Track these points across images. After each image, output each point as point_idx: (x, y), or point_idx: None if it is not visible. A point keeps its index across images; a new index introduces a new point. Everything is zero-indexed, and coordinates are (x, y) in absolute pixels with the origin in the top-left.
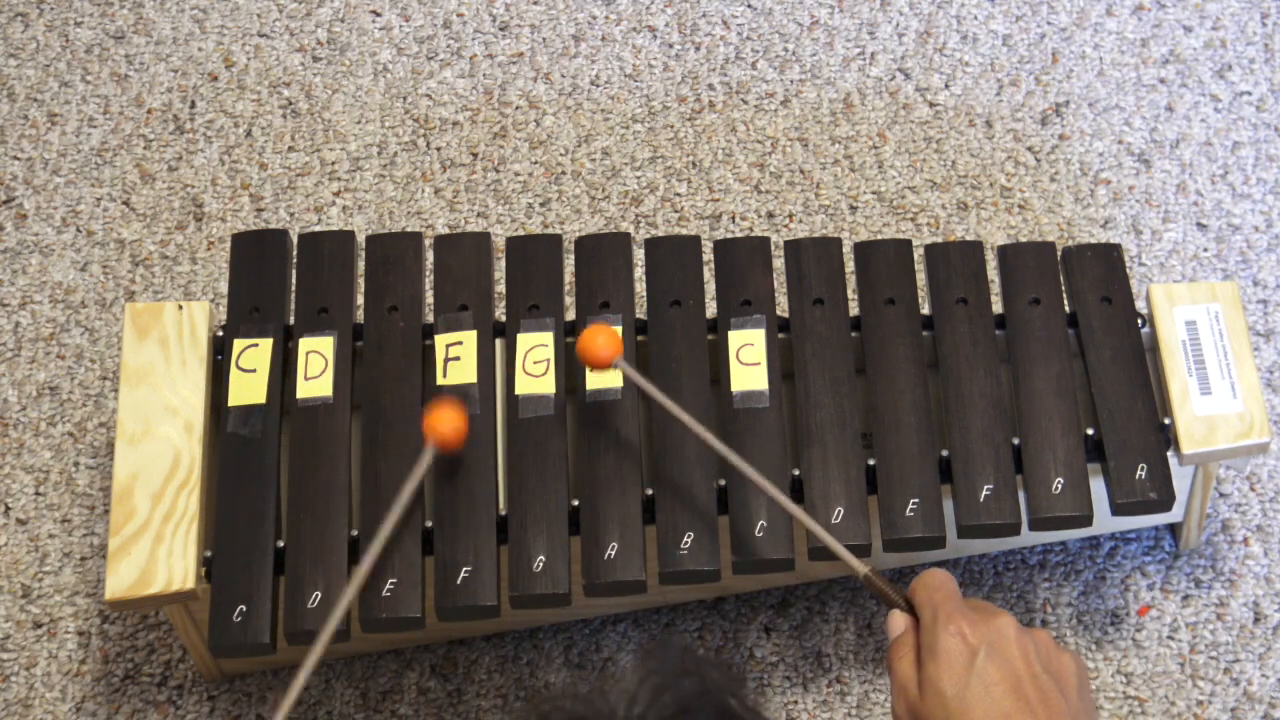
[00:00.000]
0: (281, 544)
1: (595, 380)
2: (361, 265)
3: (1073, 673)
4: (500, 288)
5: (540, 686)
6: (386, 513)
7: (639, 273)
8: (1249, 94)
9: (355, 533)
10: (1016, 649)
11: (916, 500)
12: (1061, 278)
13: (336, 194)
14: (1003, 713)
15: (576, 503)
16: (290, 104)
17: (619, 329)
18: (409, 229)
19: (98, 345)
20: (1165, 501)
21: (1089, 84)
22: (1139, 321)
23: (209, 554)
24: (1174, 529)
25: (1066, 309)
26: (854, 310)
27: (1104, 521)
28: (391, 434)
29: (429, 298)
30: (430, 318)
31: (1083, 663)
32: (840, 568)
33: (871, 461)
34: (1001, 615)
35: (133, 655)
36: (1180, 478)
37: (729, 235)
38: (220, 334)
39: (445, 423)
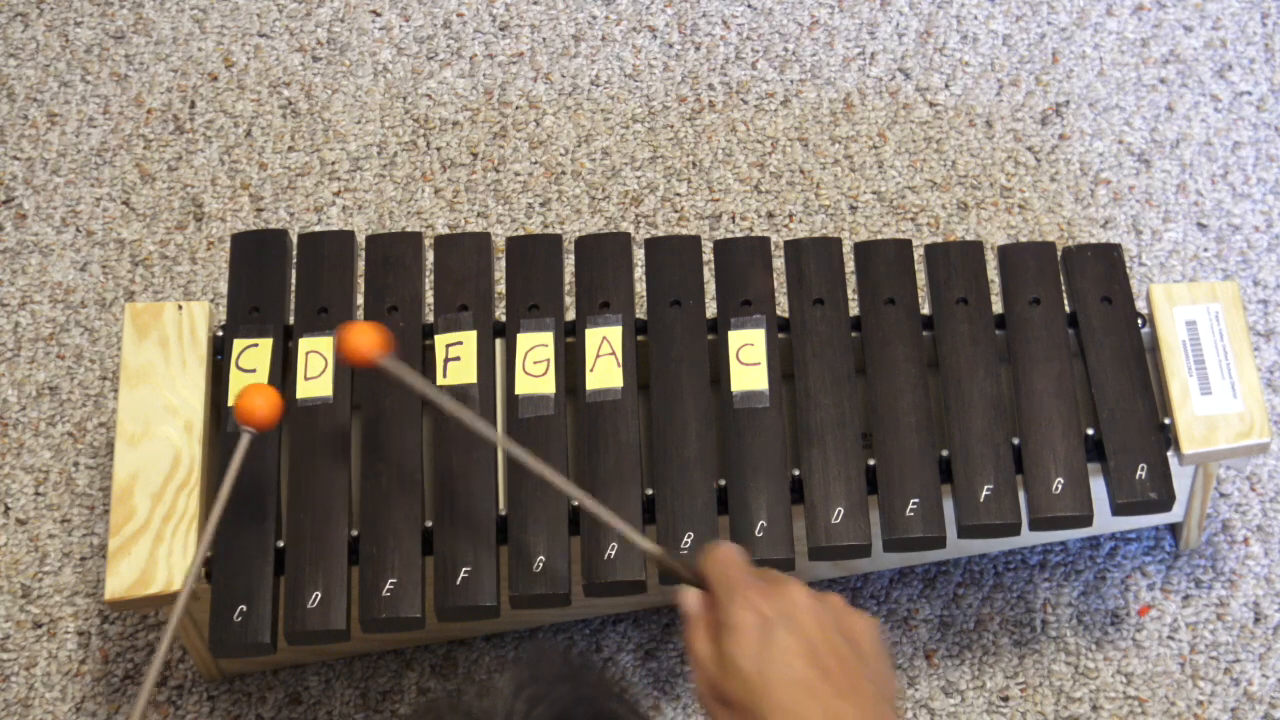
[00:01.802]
0: (281, 544)
1: (595, 380)
2: (361, 265)
3: (867, 634)
4: (500, 288)
5: (425, 697)
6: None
7: (639, 273)
8: (1249, 94)
9: (355, 533)
10: (810, 616)
11: (916, 500)
12: (1061, 278)
13: (336, 194)
14: (801, 680)
15: (576, 503)
16: (290, 104)
17: (616, 329)
18: (409, 229)
19: (98, 345)
20: (1165, 501)
21: (1089, 84)
22: (1139, 321)
23: (209, 554)
24: (1174, 529)
25: (1066, 309)
26: (854, 310)
27: (1104, 521)
28: (391, 434)
29: (429, 298)
30: (430, 318)
31: (876, 623)
32: (842, 567)
33: (871, 461)
34: (793, 584)
35: (133, 655)
36: (1180, 478)
37: (729, 235)
38: (220, 334)
39: (258, 401)
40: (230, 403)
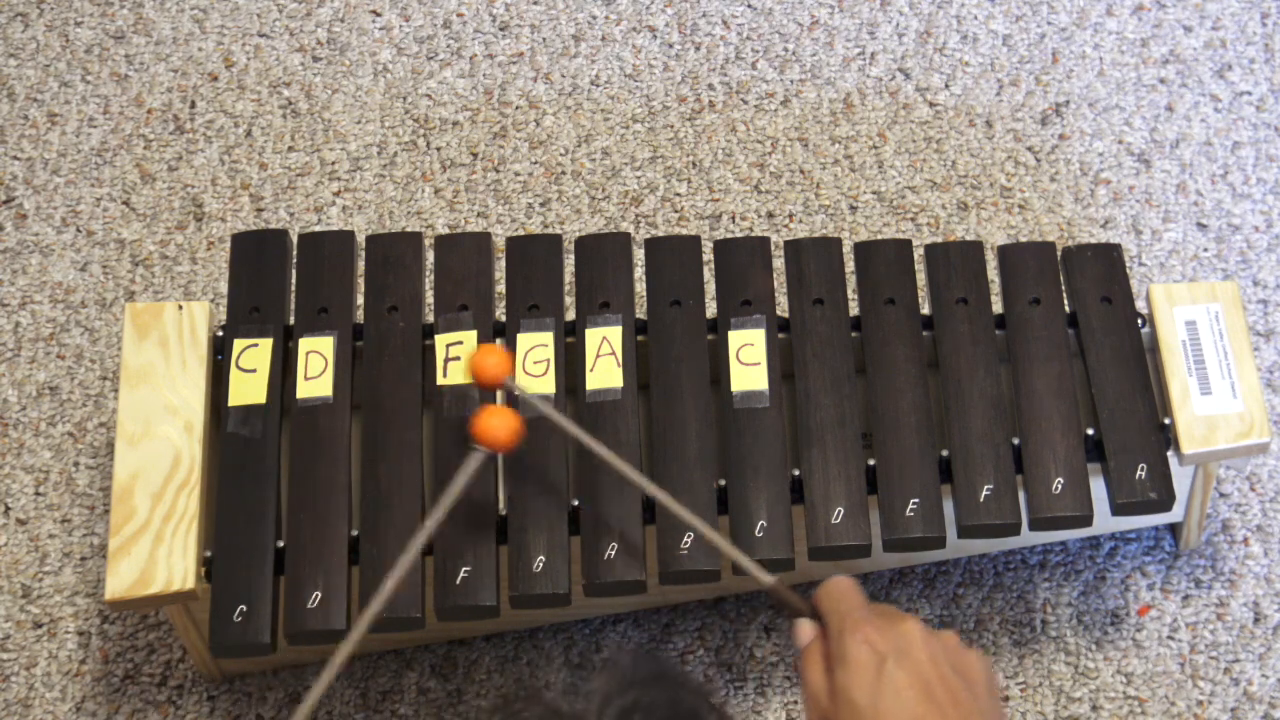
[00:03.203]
0: (281, 544)
1: (595, 380)
2: (361, 265)
3: (980, 671)
4: (500, 288)
5: (509, 689)
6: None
7: (639, 273)
8: (1249, 94)
9: (355, 533)
10: (924, 652)
11: (916, 500)
12: (1061, 278)
13: (336, 194)
14: (914, 716)
15: (576, 503)
16: (290, 104)
17: (616, 329)
18: (409, 229)
19: (98, 345)
20: (1165, 501)
21: (1089, 84)
22: (1139, 321)
23: (209, 554)
24: (1174, 529)
25: (1066, 309)
26: (854, 310)
27: (1104, 521)
28: (391, 434)
29: (429, 298)
30: (430, 318)
31: (988, 661)
32: (843, 567)
33: (871, 461)
34: (907, 619)
35: (133, 655)
36: (1180, 478)
37: (729, 235)
38: (220, 334)
39: (500, 426)
40: (230, 402)
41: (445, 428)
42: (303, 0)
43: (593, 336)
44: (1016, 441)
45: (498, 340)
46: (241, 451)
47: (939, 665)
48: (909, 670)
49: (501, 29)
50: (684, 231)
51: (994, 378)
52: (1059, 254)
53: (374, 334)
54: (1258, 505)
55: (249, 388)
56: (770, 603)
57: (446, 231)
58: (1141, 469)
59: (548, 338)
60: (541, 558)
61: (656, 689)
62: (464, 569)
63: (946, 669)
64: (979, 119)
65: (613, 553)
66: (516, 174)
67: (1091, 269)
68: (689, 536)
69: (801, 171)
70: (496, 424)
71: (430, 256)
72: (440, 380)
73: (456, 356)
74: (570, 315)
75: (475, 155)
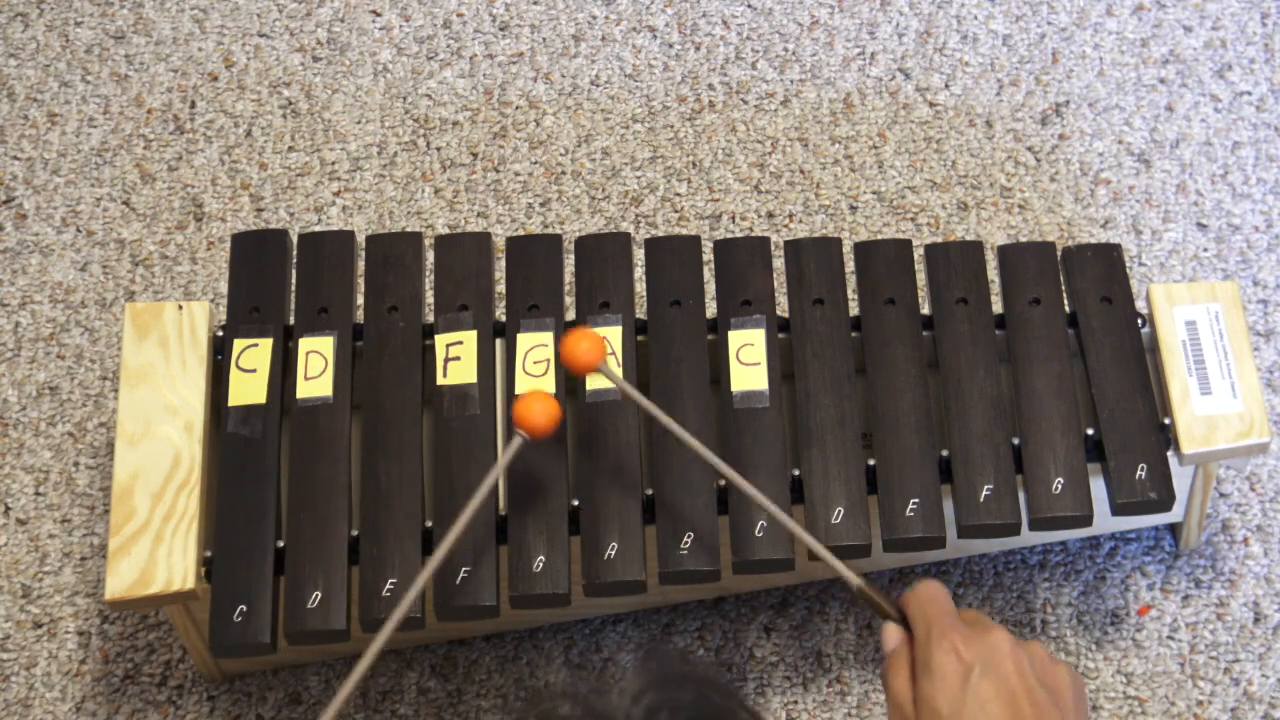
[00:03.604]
0: (281, 544)
1: (595, 380)
2: (361, 265)
3: (1068, 685)
4: (500, 288)
5: (541, 685)
6: (462, 505)
7: (639, 273)
8: (1249, 94)
9: (355, 533)
10: (1011, 664)
11: (916, 500)
12: (1061, 278)
13: (336, 194)
14: None
15: (576, 503)
16: (290, 104)
17: (616, 329)
18: (409, 229)
19: (98, 345)
20: (1165, 501)
21: (1089, 84)
22: (1139, 321)
23: (209, 554)
24: (1174, 529)
25: (1066, 309)
26: (854, 310)
27: (1104, 521)
28: (391, 434)
29: (429, 298)
30: (430, 318)
31: (1077, 674)
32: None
33: (871, 461)
34: (996, 630)
35: (133, 655)
36: (1180, 478)
37: (729, 235)
38: (220, 334)
39: (540, 412)
40: (230, 402)
41: (445, 427)
42: (303, 0)
43: None
44: (1016, 441)
45: (497, 340)
46: (241, 451)
47: (1026, 678)
48: (995, 682)
49: (501, 29)
50: (684, 231)
51: (994, 378)
52: (1059, 254)
53: (374, 334)
54: (1258, 505)
55: (249, 388)
56: (860, 604)
57: (446, 231)
58: (1141, 469)
59: (548, 338)
60: (541, 558)
61: (686, 688)
62: (464, 569)
63: (1034, 682)
64: (979, 119)
65: (613, 553)
66: (516, 174)
67: (1091, 269)
68: (689, 536)
69: (801, 171)
70: (538, 410)
71: (430, 256)
72: (440, 380)
73: (456, 356)
74: (570, 315)
75: (475, 155)
